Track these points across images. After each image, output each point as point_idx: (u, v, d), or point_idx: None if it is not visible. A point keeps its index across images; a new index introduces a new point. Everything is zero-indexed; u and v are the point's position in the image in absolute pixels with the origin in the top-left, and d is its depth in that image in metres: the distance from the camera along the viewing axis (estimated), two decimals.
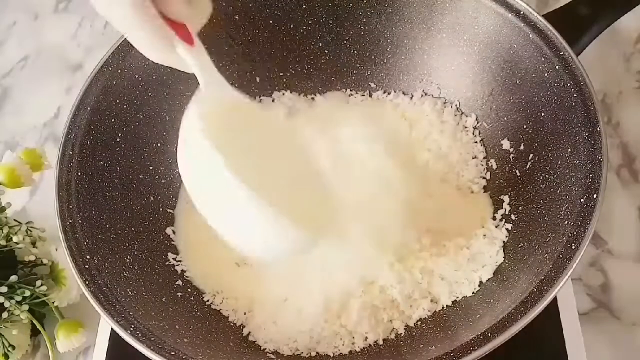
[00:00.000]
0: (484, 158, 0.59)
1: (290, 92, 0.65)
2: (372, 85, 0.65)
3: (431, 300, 0.52)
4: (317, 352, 0.51)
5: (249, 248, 0.45)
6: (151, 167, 0.59)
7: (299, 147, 0.49)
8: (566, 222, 0.45)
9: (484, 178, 0.58)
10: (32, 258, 0.57)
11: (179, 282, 0.55)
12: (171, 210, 0.59)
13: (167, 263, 0.56)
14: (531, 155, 0.53)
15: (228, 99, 0.44)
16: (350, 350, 0.51)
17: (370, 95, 0.65)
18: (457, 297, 0.52)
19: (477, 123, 0.60)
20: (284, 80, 0.65)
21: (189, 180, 0.43)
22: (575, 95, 0.48)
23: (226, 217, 0.42)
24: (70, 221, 0.49)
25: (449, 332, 0.48)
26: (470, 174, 0.58)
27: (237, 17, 0.61)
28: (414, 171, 0.57)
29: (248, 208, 0.40)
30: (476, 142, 0.60)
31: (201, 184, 0.42)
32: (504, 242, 0.53)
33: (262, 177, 0.42)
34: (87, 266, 0.47)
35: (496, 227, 0.54)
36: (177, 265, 0.56)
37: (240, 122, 0.45)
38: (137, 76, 0.57)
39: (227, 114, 0.44)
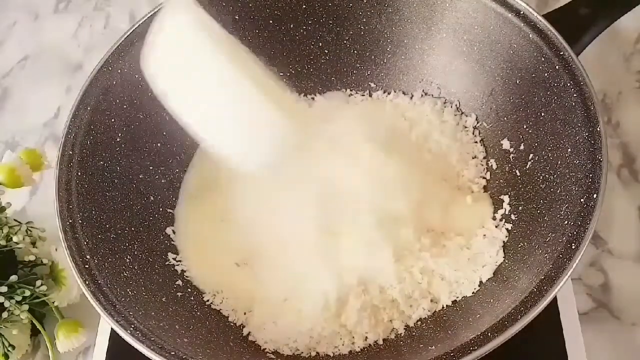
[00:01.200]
0: (484, 158, 0.59)
1: (290, 92, 0.65)
2: (372, 85, 0.65)
3: (431, 300, 0.52)
4: (317, 352, 0.51)
5: (235, 151, 0.44)
6: (151, 167, 0.59)
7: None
8: (566, 222, 0.45)
9: (484, 178, 0.58)
10: (32, 258, 0.57)
11: (179, 282, 0.55)
12: (171, 210, 0.59)
13: (167, 263, 0.56)
14: (531, 155, 0.53)
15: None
16: (350, 350, 0.51)
17: (370, 95, 0.65)
18: (457, 297, 0.52)
19: (477, 123, 0.60)
20: (284, 80, 0.65)
21: (167, 85, 0.42)
22: (575, 95, 0.48)
23: (210, 116, 0.42)
24: (70, 221, 0.49)
25: (449, 332, 0.48)
26: (470, 174, 0.58)
27: (237, 17, 0.61)
28: (414, 171, 0.57)
29: (239, 98, 0.40)
30: (476, 142, 0.60)
31: (183, 84, 0.41)
32: (504, 242, 0.53)
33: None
34: (87, 266, 0.47)
35: (496, 227, 0.54)
36: (177, 265, 0.56)
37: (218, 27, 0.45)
38: (137, 76, 0.57)
39: (206, 16, 0.44)
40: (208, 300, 0.55)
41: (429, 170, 0.58)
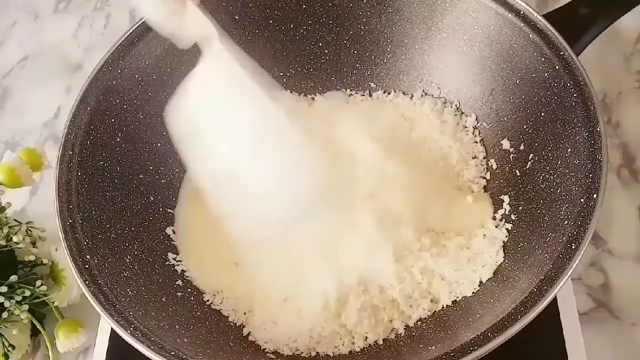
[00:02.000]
0: (484, 158, 0.59)
1: (290, 92, 0.65)
2: (372, 85, 0.65)
3: (431, 300, 0.52)
4: (317, 352, 0.51)
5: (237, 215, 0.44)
6: (151, 167, 0.59)
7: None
8: (566, 222, 0.45)
9: (484, 178, 0.58)
10: (32, 258, 0.57)
11: (179, 282, 0.55)
12: (171, 210, 0.59)
13: (167, 263, 0.56)
14: (531, 155, 0.53)
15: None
16: (350, 350, 0.51)
17: (370, 95, 0.65)
18: (457, 297, 0.52)
19: (477, 123, 0.60)
20: (284, 80, 0.65)
21: (193, 141, 0.43)
22: (575, 95, 0.48)
23: (237, 178, 0.42)
24: (70, 221, 0.49)
25: (449, 332, 0.48)
26: (470, 174, 0.58)
27: (237, 17, 0.61)
28: (414, 171, 0.57)
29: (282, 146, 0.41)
30: (476, 142, 0.60)
31: (212, 140, 0.43)
32: (504, 242, 0.53)
33: None
34: (87, 266, 0.47)
35: (496, 227, 0.54)
36: (177, 265, 0.56)
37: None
38: (137, 76, 0.57)
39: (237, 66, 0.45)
40: (208, 300, 0.55)
41: (429, 170, 0.58)
